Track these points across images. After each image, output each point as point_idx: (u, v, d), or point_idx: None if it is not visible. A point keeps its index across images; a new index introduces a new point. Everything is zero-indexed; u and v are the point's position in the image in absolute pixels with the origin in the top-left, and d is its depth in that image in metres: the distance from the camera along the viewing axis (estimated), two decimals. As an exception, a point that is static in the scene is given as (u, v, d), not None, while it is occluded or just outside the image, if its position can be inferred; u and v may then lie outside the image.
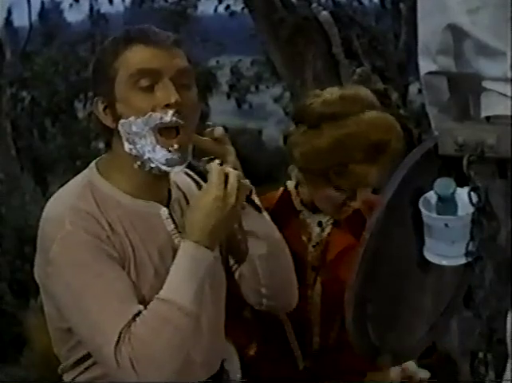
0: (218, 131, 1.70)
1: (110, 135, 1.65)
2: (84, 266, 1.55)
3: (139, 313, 1.54)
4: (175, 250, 1.63)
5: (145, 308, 1.55)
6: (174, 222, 1.68)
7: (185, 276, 1.57)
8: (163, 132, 1.59)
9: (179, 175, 1.73)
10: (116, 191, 1.64)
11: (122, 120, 1.60)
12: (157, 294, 1.57)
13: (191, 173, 1.76)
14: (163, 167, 1.60)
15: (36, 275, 1.65)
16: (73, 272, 1.56)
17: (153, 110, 1.58)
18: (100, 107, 1.64)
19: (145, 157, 1.60)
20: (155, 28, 1.64)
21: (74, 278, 1.55)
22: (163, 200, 1.69)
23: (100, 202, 1.61)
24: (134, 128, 1.58)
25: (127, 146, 1.61)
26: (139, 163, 1.61)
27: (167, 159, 1.59)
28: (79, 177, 1.68)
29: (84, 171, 1.69)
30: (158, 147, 1.59)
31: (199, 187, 1.76)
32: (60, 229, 1.56)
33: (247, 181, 1.65)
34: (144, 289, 1.59)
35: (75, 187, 1.65)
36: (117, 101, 1.61)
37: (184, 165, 1.63)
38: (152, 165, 1.60)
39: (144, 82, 1.59)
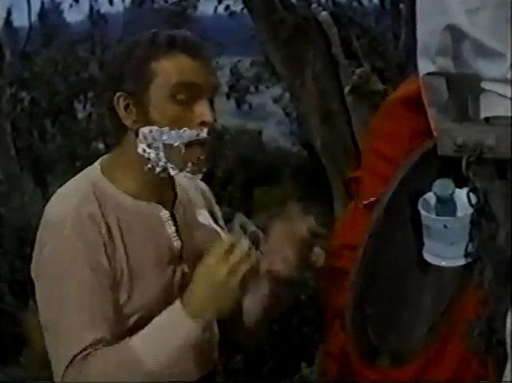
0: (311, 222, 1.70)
1: (122, 133, 1.61)
2: (69, 273, 1.53)
3: (101, 340, 1.49)
4: (173, 253, 1.62)
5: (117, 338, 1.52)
6: (175, 225, 1.66)
7: (159, 335, 1.50)
8: (192, 144, 1.57)
9: (184, 179, 1.71)
10: (119, 193, 1.61)
11: (154, 127, 1.55)
12: (152, 297, 1.56)
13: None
14: (187, 175, 1.59)
15: (32, 273, 1.64)
16: (59, 277, 1.53)
17: (188, 124, 1.56)
18: (122, 104, 1.58)
19: (167, 164, 1.58)
20: (192, 36, 1.60)
21: (58, 283, 1.53)
22: (166, 201, 1.67)
23: (103, 203, 1.59)
24: (165, 137, 1.55)
25: (142, 148, 1.57)
26: (149, 165, 1.59)
27: (192, 169, 1.58)
28: (81, 177, 1.65)
29: (87, 171, 1.66)
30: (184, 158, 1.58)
31: (202, 191, 1.79)
32: (59, 231, 1.54)
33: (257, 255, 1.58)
34: (138, 292, 1.58)
35: (78, 187, 1.62)
36: (151, 106, 1.56)
37: (202, 174, 1.62)
38: (173, 172, 1.59)
39: (183, 95, 1.55)
